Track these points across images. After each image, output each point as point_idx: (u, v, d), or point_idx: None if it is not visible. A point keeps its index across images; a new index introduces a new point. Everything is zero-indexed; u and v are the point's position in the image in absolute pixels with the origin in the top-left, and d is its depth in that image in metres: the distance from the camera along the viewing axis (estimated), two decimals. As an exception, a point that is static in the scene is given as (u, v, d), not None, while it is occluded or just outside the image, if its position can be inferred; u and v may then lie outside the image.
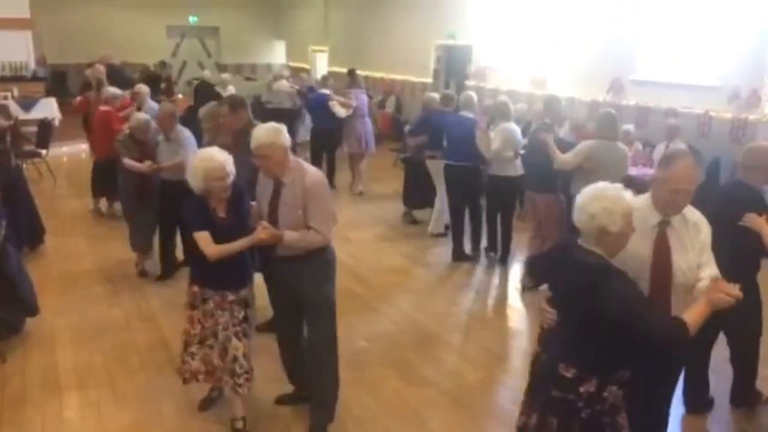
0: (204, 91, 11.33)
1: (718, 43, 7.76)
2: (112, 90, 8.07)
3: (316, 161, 9.64)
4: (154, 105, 7.88)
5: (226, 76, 13.28)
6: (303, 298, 3.62)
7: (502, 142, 6.40)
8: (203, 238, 3.48)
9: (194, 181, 3.46)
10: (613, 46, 8.92)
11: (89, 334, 5.02)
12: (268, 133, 3.43)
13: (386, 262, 6.88)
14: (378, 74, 14.16)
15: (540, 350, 2.76)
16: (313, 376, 3.73)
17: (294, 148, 11.34)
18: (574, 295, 2.54)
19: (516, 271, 6.81)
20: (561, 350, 2.60)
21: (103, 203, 8.27)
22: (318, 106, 9.79)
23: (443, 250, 7.31)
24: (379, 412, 4.08)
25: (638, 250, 2.68)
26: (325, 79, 10.63)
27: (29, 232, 6.66)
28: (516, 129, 6.61)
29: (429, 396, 4.29)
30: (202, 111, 6.21)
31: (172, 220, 5.76)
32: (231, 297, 3.64)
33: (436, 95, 8.14)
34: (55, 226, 7.45)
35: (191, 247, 3.68)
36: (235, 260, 3.56)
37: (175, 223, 5.82)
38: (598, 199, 2.48)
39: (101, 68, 9.72)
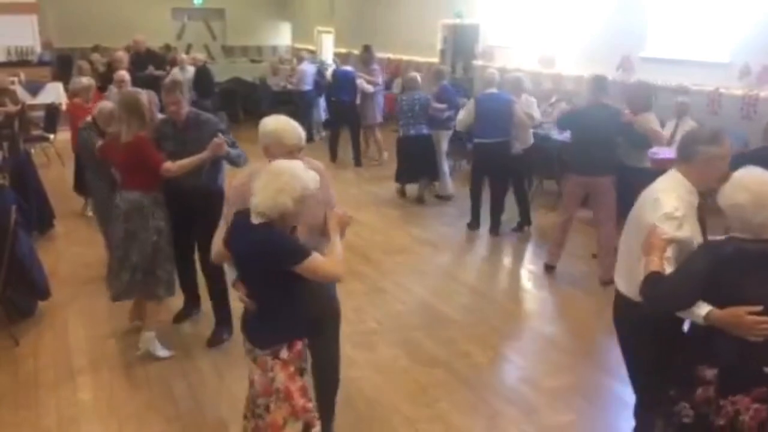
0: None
1: (728, 18, 7.65)
2: (79, 80, 7.11)
3: (334, 136, 10.52)
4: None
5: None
6: (329, 312, 3.30)
7: (536, 112, 7.29)
8: (325, 261, 2.71)
9: (284, 200, 2.61)
10: (622, 23, 8.81)
11: (101, 317, 5.05)
12: (297, 126, 3.10)
13: (394, 243, 6.89)
14: (384, 55, 14.06)
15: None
16: (332, 385, 3.50)
17: (311, 132, 11.35)
18: None
19: (528, 251, 6.81)
20: None
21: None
22: (344, 80, 10.31)
23: (450, 230, 7.33)
24: (390, 392, 4.10)
25: (696, 234, 2.74)
26: (345, 55, 11.37)
27: (39, 216, 6.69)
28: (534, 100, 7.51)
29: (439, 376, 4.31)
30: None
31: (188, 238, 4.69)
32: None
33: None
34: (64, 210, 7.47)
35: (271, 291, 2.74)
36: None
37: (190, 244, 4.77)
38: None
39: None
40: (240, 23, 19.20)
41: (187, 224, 4.54)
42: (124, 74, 7.35)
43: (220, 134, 4.33)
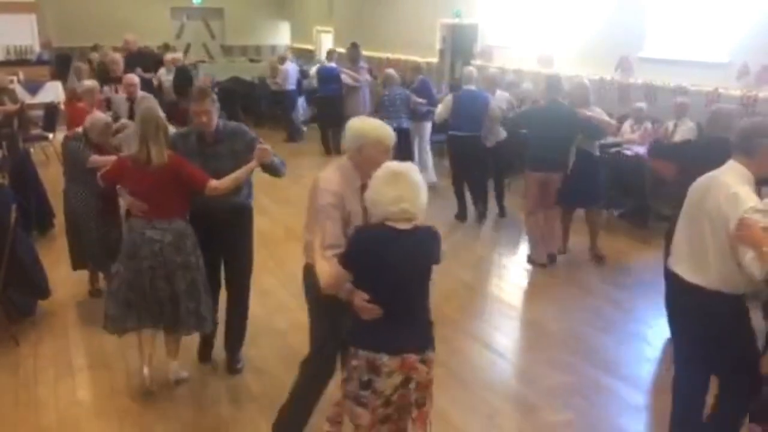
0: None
1: (726, 18, 7.66)
2: (83, 83, 6.78)
3: (325, 131, 11.09)
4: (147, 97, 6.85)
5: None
6: None
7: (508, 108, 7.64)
8: None
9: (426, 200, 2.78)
10: (621, 23, 8.82)
11: (101, 316, 5.01)
12: (387, 125, 3.11)
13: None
14: (383, 54, 14.08)
15: None
16: None
17: (299, 127, 11.68)
18: None
19: (521, 248, 6.82)
20: None
21: None
22: (329, 77, 10.96)
23: (445, 228, 7.37)
24: (389, 391, 4.11)
25: None
26: (330, 53, 11.88)
27: (38, 215, 6.70)
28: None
29: (438, 375, 4.28)
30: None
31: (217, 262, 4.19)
32: None
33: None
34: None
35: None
36: None
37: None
38: None
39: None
40: (239, 23, 19.21)
41: (215, 246, 4.07)
42: (133, 77, 7.04)
43: (261, 140, 3.90)
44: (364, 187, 2.86)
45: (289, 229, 7.10)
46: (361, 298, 2.68)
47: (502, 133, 7.61)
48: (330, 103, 10.90)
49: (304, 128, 12.61)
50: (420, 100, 8.70)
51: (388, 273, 2.64)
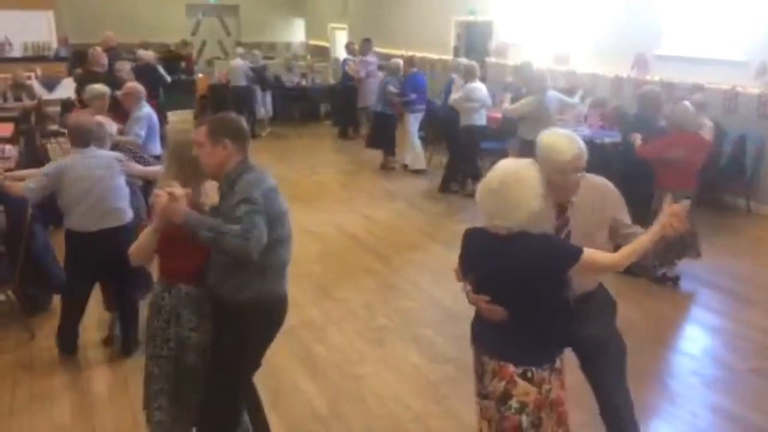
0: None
1: (744, 16, 7.58)
2: (96, 88, 6.00)
3: (340, 118, 12.62)
4: (148, 111, 6.15)
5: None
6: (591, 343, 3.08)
7: (466, 94, 8.13)
8: (597, 252, 2.69)
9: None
10: (638, 20, 8.75)
11: (114, 310, 5.09)
12: (574, 139, 2.68)
13: (405, 239, 6.89)
14: (397, 51, 14.05)
15: None
16: None
17: (253, 128, 11.73)
18: None
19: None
20: None
21: None
22: (345, 68, 12.43)
23: (461, 228, 7.31)
24: (400, 388, 4.11)
25: None
26: (347, 45, 13.06)
27: (54, 210, 6.74)
28: (481, 86, 8.27)
29: (449, 373, 4.31)
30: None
31: None
32: None
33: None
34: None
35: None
36: None
37: None
38: None
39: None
40: (254, 19, 19.25)
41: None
42: (133, 86, 6.22)
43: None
44: (557, 206, 2.75)
45: (300, 225, 7.12)
46: (482, 300, 2.61)
47: (470, 120, 8.16)
48: (347, 92, 12.15)
49: (268, 128, 12.67)
50: (392, 90, 9.63)
51: (483, 279, 2.64)
